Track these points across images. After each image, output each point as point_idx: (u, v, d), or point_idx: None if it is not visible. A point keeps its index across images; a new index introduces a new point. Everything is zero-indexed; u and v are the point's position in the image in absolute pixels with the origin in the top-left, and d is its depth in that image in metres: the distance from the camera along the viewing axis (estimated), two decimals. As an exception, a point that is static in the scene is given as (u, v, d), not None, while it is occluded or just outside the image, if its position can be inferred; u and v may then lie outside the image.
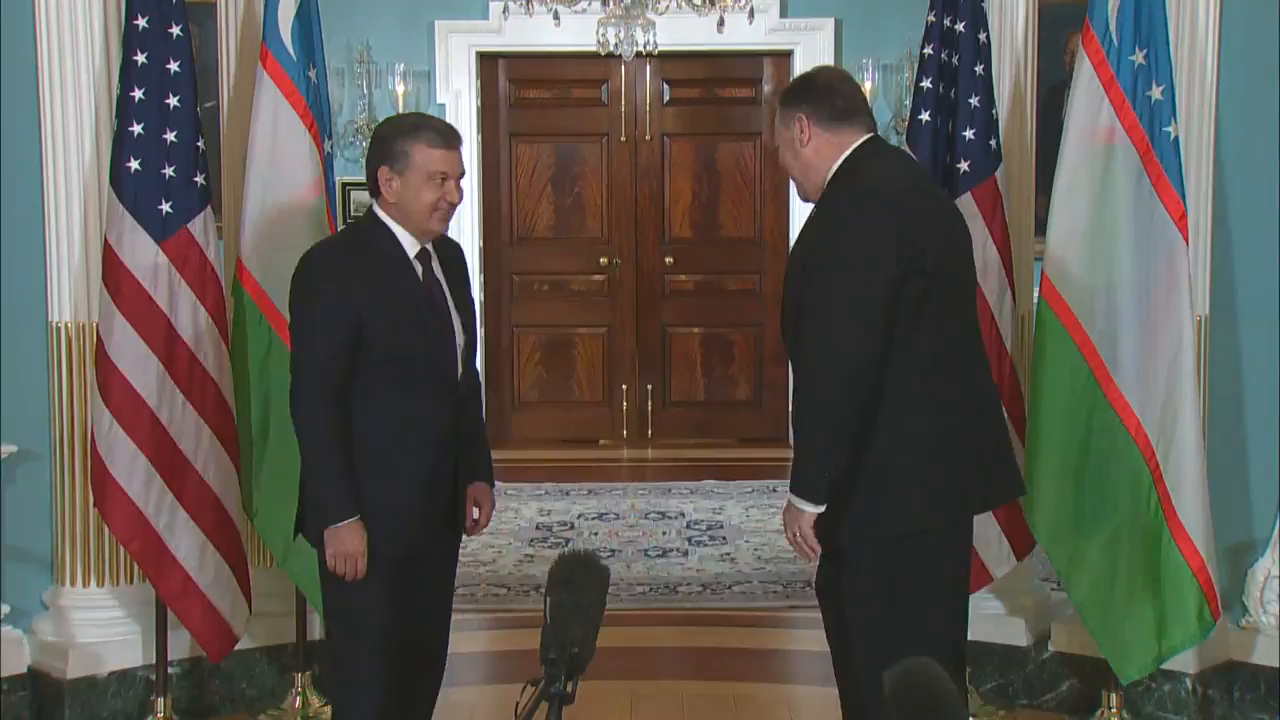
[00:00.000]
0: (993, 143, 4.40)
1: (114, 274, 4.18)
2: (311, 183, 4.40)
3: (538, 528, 7.12)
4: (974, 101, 4.36)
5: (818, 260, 3.34)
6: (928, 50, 4.46)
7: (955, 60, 4.39)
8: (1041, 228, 4.38)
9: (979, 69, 4.37)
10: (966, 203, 4.34)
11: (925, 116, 4.43)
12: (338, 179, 4.86)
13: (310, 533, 3.57)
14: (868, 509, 3.34)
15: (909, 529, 3.35)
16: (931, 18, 4.44)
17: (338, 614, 3.61)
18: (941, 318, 3.35)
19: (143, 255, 4.18)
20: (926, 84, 4.45)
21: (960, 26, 4.37)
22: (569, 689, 2.38)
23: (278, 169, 4.37)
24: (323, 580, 3.58)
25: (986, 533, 4.41)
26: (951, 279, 3.39)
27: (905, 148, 4.50)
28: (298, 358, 3.53)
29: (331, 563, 3.48)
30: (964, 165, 4.38)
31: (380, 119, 8.37)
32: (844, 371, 3.25)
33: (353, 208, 8.47)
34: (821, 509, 3.33)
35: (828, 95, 3.48)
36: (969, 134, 4.37)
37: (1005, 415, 3.70)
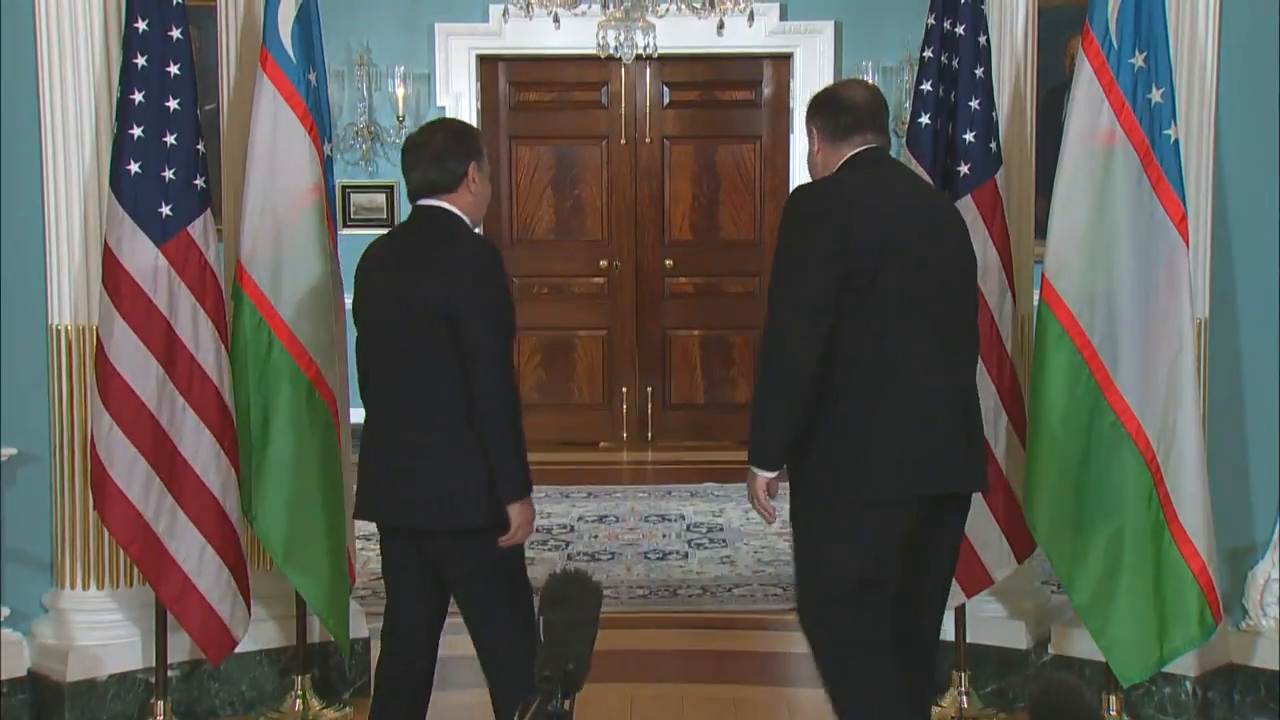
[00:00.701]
0: (993, 145, 4.39)
1: (114, 277, 4.18)
2: (311, 186, 4.40)
3: (537, 530, 7.10)
4: (974, 104, 4.36)
5: (776, 250, 3.64)
6: (928, 53, 4.46)
7: (955, 63, 4.39)
8: (1041, 230, 4.38)
9: (979, 72, 4.37)
10: (967, 205, 4.34)
11: (925, 119, 4.44)
12: (337, 182, 4.86)
13: (492, 514, 3.63)
14: (809, 481, 3.66)
15: (834, 502, 3.62)
16: (931, 21, 4.44)
17: (516, 585, 3.77)
18: (893, 315, 3.57)
19: (143, 258, 4.18)
20: (926, 87, 4.45)
21: (960, 29, 4.37)
22: (566, 707, 2.38)
23: (277, 172, 4.37)
24: (497, 558, 3.70)
25: (987, 535, 4.41)
26: (906, 280, 3.58)
27: (905, 150, 4.51)
28: (504, 346, 3.64)
29: (523, 531, 3.68)
30: (964, 168, 4.38)
31: (380, 122, 8.52)
32: (784, 345, 3.56)
33: (352, 210, 8.48)
34: (772, 474, 3.63)
35: (835, 112, 3.77)
36: (969, 136, 4.37)
37: (976, 415, 3.80)
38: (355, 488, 3.95)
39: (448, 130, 3.81)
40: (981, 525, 4.40)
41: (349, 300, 4.64)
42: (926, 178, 4.37)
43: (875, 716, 3.72)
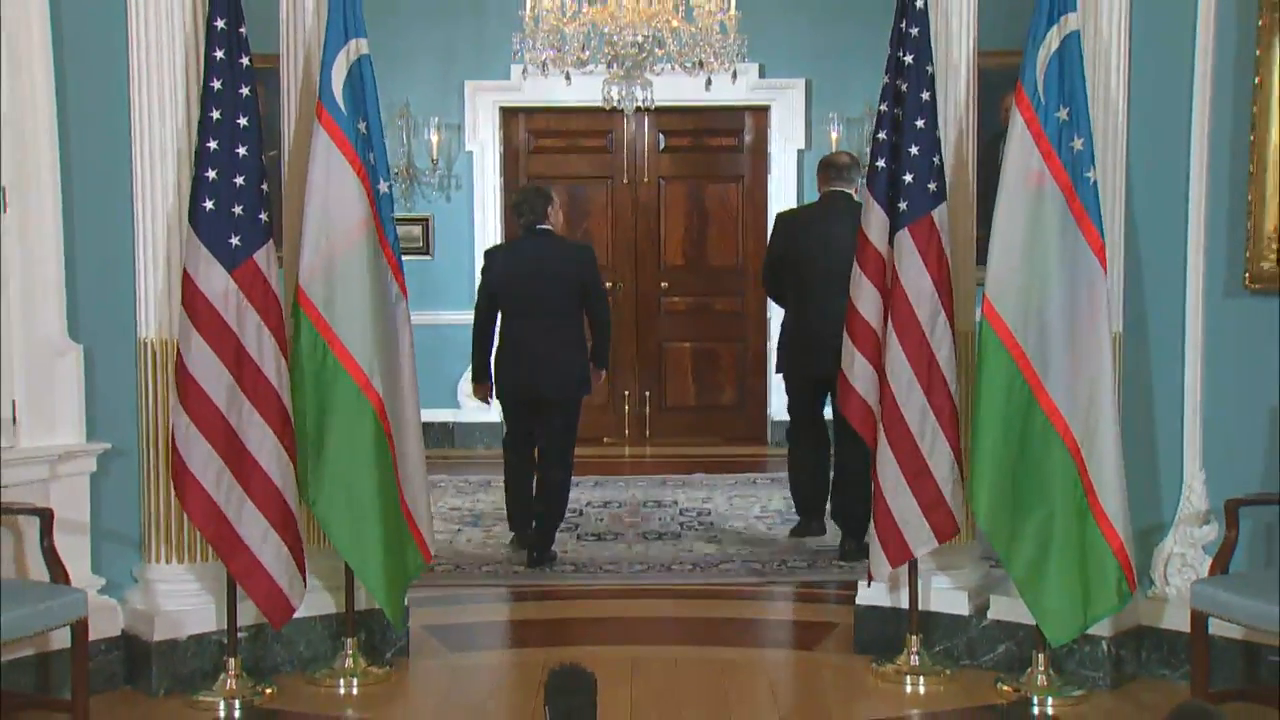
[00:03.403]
0: (931, 186, 4.40)
1: (191, 298, 4.23)
2: (361, 220, 4.43)
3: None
4: (914, 150, 4.39)
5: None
6: (883, 107, 4.50)
7: (902, 115, 4.43)
8: (982, 257, 4.43)
9: (920, 123, 4.39)
10: (904, 237, 4.39)
11: (881, 164, 4.50)
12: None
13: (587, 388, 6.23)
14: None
15: (781, 368, 6.44)
16: (886, 79, 4.49)
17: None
18: (799, 278, 6.10)
19: (216, 282, 4.23)
20: (881, 135, 4.50)
21: (904, 86, 4.42)
22: None
23: (331, 208, 4.40)
24: (578, 409, 6.26)
25: (906, 515, 4.44)
26: (808, 261, 6.05)
27: (865, 188, 4.58)
28: (605, 291, 6.40)
29: (599, 384, 6.42)
30: (904, 205, 4.40)
31: (417, 164, 8.60)
32: (766, 289, 6.57)
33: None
34: None
35: (826, 168, 6.22)
36: (908, 178, 4.40)
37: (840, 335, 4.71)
38: (500, 378, 6.15)
39: (539, 194, 6.24)
40: (906, 508, 4.44)
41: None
42: (881, 213, 4.47)
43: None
